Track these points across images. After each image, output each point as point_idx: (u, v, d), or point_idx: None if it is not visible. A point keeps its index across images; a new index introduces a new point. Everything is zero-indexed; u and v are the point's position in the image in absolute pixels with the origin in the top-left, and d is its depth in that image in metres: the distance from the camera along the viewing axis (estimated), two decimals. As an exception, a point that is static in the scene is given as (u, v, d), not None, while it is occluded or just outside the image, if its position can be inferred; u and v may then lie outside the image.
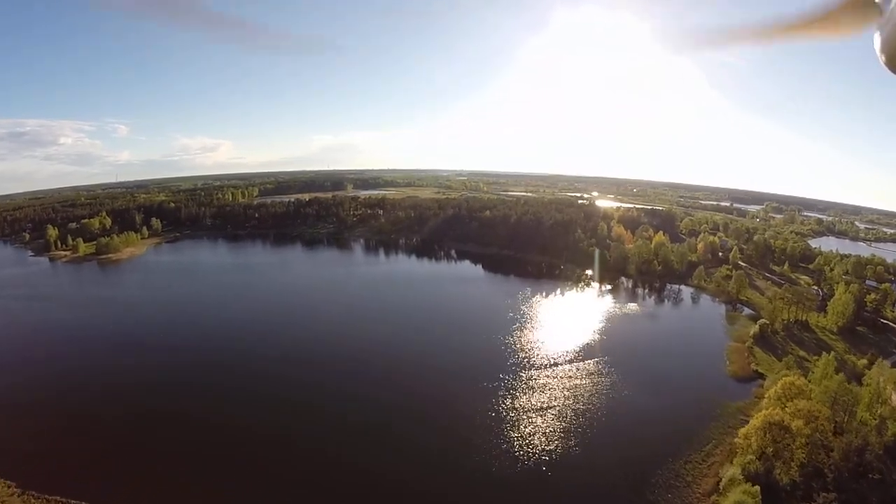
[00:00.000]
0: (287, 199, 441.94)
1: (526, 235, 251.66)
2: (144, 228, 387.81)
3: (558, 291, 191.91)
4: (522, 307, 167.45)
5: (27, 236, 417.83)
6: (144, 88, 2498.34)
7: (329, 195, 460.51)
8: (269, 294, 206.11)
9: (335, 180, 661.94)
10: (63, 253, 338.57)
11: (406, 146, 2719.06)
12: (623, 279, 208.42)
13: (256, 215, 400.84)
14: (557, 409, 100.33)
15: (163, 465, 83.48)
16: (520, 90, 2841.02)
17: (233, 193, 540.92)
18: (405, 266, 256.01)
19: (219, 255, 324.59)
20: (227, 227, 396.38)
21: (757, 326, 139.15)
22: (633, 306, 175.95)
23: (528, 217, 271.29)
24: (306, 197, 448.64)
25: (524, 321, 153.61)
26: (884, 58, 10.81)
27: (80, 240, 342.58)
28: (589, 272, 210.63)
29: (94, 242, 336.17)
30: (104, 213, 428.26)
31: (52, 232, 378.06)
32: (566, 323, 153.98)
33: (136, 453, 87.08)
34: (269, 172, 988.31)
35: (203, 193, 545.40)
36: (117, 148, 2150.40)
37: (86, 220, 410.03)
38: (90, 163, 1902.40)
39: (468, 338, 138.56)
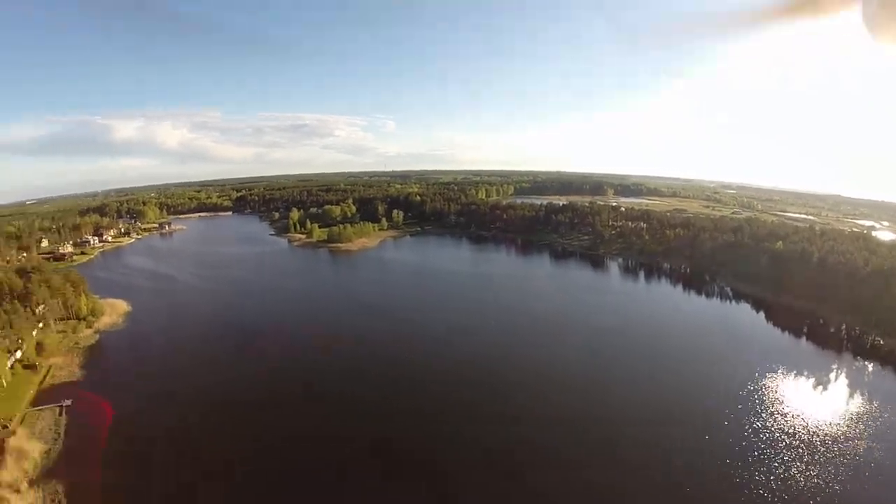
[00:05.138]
0: (539, 202, 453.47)
1: (832, 284, 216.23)
2: (384, 220, 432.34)
3: (875, 385, 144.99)
4: (821, 411, 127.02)
5: (276, 215, 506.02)
6: (410, 90, 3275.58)
7: (586, 200, 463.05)
8: (498, 317, 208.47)
9: (594, 184, 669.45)
10: (299, 236, 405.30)
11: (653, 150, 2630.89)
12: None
13: (504, 216, 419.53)
14: None
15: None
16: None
17: (486, 190, 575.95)
18: (668, 302, 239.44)
19: (456, 257, 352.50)
20: (471, 227, 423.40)
21: None
22: None
23: (835, 257, 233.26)
24: (561, 201, 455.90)
25: (823, 445, 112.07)
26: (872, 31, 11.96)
27: (315, 225, 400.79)
28: None
29: (328, 229, 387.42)
30: (350, 201, 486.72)
31: (295, 214, 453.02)
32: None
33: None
34: (527, 171, 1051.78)
35: (455, 188, 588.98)
36: (386, 141, 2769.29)
37: (328, 206, 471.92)
38: (362, 153, 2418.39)
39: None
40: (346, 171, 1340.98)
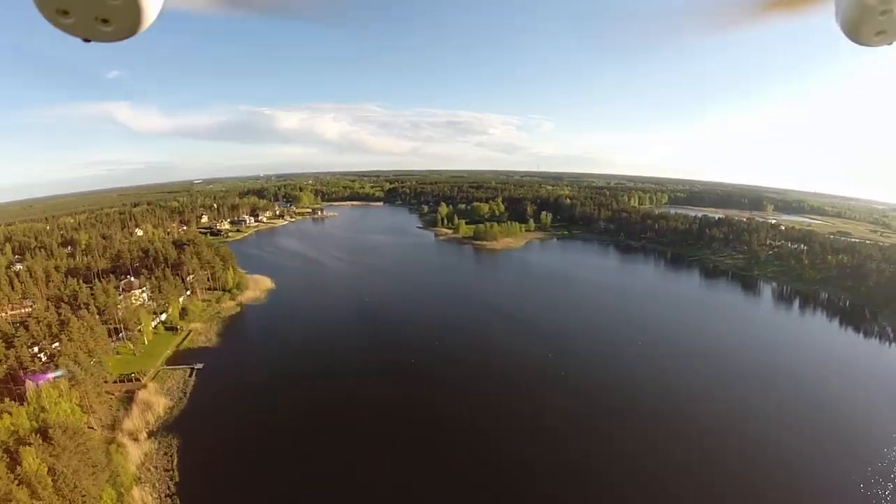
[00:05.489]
0: (693, 214, 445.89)
1: None
2: (531, 221, 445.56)
3: None
4: None
5: (426, 209, 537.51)
6: (568, 92, 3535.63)
7: (744, 215, 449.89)
8: (644, 345, 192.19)
9: (753, 197, 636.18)
10: (445, 231, 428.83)
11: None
12: None
13: (655, 227, 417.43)
14: None
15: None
16: None
17: (639, 198, 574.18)
18: (823, 339, 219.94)
19: (602, 266, 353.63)
20: (620, 234, 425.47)
21: None
22: None
23: None
24: (716, 214, 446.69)
25: None
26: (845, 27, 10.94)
27: (462, 221, 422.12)
28: None
29: (474, 226, 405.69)
30: (499, 200, 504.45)
31: (443, 209, 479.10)
32: None
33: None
34: (683, 179, 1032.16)
35: (607, 193, 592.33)
36: (540, 141, 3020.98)
37: (476, 203, 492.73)
38: (515, 152, 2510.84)
39: None
40: (498, 168, 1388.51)
